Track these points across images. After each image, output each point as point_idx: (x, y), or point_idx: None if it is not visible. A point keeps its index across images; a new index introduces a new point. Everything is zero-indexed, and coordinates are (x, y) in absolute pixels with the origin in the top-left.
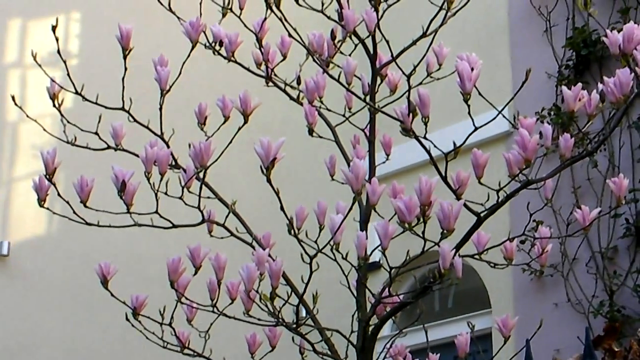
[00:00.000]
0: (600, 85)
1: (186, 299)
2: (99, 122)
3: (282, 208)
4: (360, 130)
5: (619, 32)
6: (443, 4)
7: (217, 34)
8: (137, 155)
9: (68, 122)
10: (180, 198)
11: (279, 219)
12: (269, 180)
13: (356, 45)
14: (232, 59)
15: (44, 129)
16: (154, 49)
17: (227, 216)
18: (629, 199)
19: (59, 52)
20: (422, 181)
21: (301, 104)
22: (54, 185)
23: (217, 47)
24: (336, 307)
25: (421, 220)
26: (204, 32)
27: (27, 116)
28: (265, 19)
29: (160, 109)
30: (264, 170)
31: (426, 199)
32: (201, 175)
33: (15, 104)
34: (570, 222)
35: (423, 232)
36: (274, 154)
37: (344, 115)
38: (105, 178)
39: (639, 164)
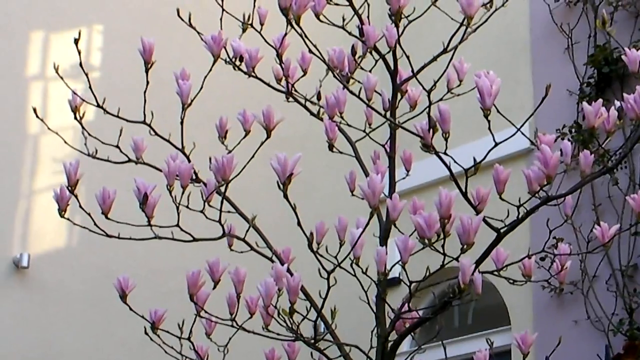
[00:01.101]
0: (618, 103)
1: (205, 312)
2: (120, 135)
3: (299, 223)
4: (381, 145)
5: (639, 50)
6: (464, 20)
7: (237, 49)
8: (158, 169)
9: (89, 134)
10: (201, 212)
11: (299, 233)
12: (285, 196)
13: (376, 61)
14: (253, 74)
15: (65, 142)
16: (175, 63)
17: (247, 230)
18: None
19: (81, 64)
20: (442, 194)
21: (321, 120)
22: (76, 196)
23: (238, 62)
24: (355, 323)
25: (441, 236)
26: (225, 47)
27: (49, 128)
28: (286, 34)
29: (182, 122)
30: (281, 186)
31: (446, 211)
32: (222, 189)
33: (37, 116)
34: (591, 239)
35: (443, 247)
36: (291, 170)
37: (364, 131)
38: (125, 191)
39: None
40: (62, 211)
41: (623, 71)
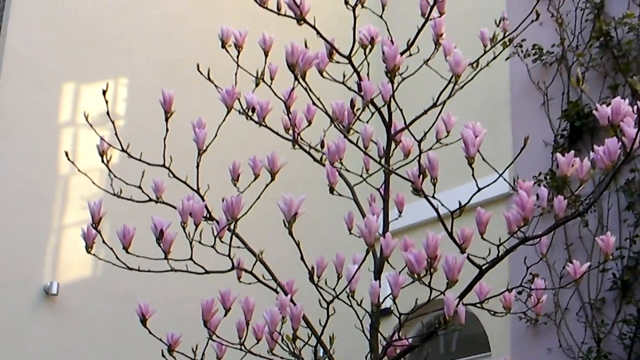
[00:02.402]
0: (591, 153)
1: (217, 337)
2: (142, 177)
3: (302, 258)
4: (376, 189)
5: (608, 106)
6: (451, 78)
7: (250, 101)
8: (176, 208)
9: (115, 176)
10: (213, 247)
11: (301, 267)
12: (290, 233)
13: (373, 114)
14: (263, 123)
15: (93, 182)
16: (192, 113)
17: (254, 264)
18: (616, 255)
19: (108, 113)
20: (429, 237)
21: (324, 165)
22: (100, 233)
23: (250, 113)
24: (351, 348)
25: (429, 271)
26: (238, 99)
27: (79, 170)
28: (293, 88)
29: (197, 166)
30: (286, 224)
31: (432, 252)
32: (232, 226)
33: (68, 159)
34: (563, 275)
35: (429, 282)
36: (296, 209)
37: (361, 176)
38: (147, 227)
39: (625, 224)
40: (89, 248)
41: (593, 125)
